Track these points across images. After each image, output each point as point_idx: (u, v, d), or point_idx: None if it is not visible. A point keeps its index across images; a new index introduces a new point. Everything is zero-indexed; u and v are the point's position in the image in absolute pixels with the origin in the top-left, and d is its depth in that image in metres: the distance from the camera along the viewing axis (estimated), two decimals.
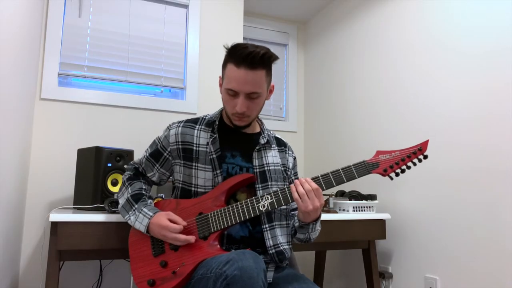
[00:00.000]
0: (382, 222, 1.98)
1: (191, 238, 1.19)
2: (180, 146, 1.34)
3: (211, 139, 1.32)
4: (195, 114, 2.37)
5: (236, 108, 1.26)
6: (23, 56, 1.66)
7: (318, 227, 1.33)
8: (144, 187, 1.39)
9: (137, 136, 2.23)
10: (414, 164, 1.21)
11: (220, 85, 1.34)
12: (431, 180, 1.92)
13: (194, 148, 1.33)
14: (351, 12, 2.60)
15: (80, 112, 2.14)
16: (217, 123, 1.36)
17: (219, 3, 2.53)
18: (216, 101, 2.42)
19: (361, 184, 2.35)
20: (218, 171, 1.29)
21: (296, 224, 1.31)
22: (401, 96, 2.14)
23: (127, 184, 1.39)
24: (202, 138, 1.34)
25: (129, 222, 1.30)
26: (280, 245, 1.28)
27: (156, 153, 1.39)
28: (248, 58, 1.19)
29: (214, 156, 1.31)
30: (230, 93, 1.26)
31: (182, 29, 2.44)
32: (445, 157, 1.85)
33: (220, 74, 1.34)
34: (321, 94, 2.87)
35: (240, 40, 2.54)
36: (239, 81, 1.22)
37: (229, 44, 1.26)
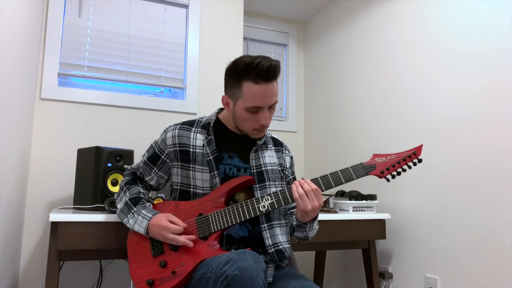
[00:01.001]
0: (382, 222, 1.98)
1: (190, 243, 1.19)
2: (178, 148, 1.34)
3: (206, 141, 1.33)
4: (195, 114, 2.37)
5: (262, 122, 1.27)
6: (23, 56, 1.66)
7: (316, 225, 1.35)
8: (142, 191, 1.39)
9: (137, 136, 2.23)
10: (409, 167, 1.25)
11: (227, 104, 1.33)
12: (431, 180, 1.92)
13: (191, 149, 1.33)
14: (351, 12, 2.61)
15: (80, 112, 2.14)
16: (211, 125, 1.36)
17: (219, 3, 2.53)
18: (216, 101, 2.42)
19: (361, 184, 2.35)
20: (216, 172, 1.30)
21: (294, 223, 1.33)
22: (401, 96, 2.14)
23: (125, 189, 1.39)
24: (198, 140, 1.34)
25: (128, 225, 1.30)
26: (279, 244, 1.28)
27: (154, 157, 1.39)
28: (269, 72, 1.21)
29: (211, 157, 1.31)
30: (252, 111, 1.26)
31: (182, 29, 2.44)
32: (445, 157, 1.85)
33: (224, 93, 1.33)
34: (321, 94, 2.87)
35: (240, 40, 2.54)
36: (264, 96, 1.23)
37: (230, 60, 1.27)
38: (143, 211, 1.28)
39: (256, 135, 1.33)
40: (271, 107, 1.29)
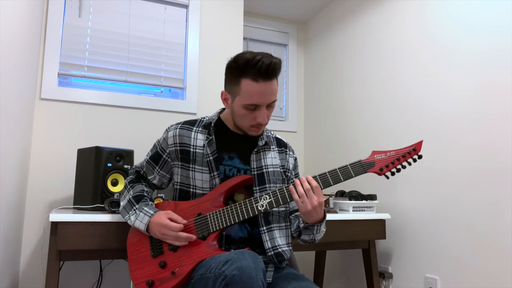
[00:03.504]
0: (382, 222, 1.98)
1: (192, 236, 1.20)
2: (178, 148, 1.34)
3: (207, 141, 1.32)
4: (195, 114, 2.37)
5: (259, 120, 1.26)
6: (23, 56, 1.66)
7: (323, 228, 1.31)
8: (145, 189, 1.40)
9: (137, 136, 2.23)
10: (409, 163, 1.23)
11: (225, 100, 1.32)
12: (431, 180, 1.91)
13: (191, 149, 1.33)
14: (351, 12, 2.60)
15: (80, 112, 2.14)
16: (213, 125, 1.36)
17: (219, 3, 2.53)
18: (216, 101, 2.42)
19: (361, 184, 2.35)
20: (215, 173, 1.29)
21: (301, 225, 1.29)
22: (401, 96, 2.14)
23: (129, 187, 1.40)
24: (199, 140, 1.34)
25: (129, 222, 1.30)
26: (278, 247, 1.28)
27: (156, 156, 1.40)
28: (268, 70, 1.19)
29: (211, 158, 1.30)
30: (250, 108, 1.25)
31: (182, 29, 2.44)
32: (445, 157, 1.84)
33: (224, 89, 1.33)
34: (321, 94, 2.87)
35: (240, 40, 2.54)
36: (262, 95, 1.22)
37: (231, 56, 1.26)
38: (145, 208, 1.29)
39: (254, 132, 1.32)
40: (270, 105, 1.27)
